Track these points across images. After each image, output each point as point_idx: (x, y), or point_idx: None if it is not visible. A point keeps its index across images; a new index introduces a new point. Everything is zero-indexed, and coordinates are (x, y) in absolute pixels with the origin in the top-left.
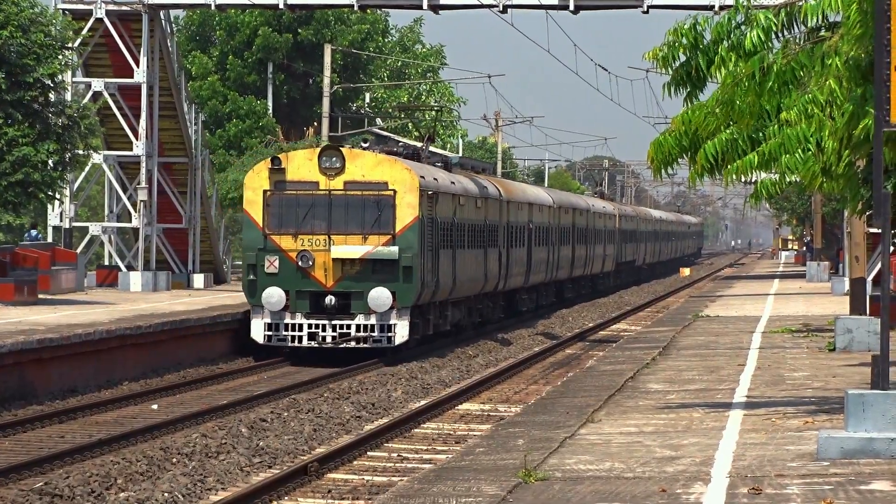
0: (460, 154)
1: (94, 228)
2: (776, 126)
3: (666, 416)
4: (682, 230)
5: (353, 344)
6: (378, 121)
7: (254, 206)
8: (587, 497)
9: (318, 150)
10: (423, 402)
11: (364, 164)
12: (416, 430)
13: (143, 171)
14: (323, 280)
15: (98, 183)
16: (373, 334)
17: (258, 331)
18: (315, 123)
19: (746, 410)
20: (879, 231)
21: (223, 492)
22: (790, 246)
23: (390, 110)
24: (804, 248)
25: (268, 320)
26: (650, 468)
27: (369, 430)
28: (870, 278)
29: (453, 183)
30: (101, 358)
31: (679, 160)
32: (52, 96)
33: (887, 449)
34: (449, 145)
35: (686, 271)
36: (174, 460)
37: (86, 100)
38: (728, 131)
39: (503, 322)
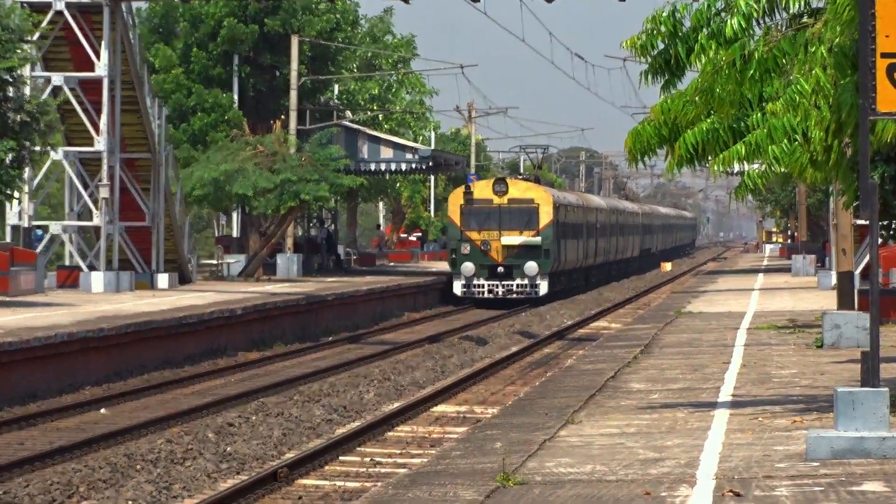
0: (433, 147)
1: (55, 227)
2: (759, 115)
3: (649, 416)
4: (681, 223)
5: (514, 296)
6: (348, 113)
7: (454, 214)
8: (568, 501)
9: (493, 180)
10: (396, 405)
11: (520, 188)
12: (389, 434)
13: (104, 167)
14: (496, 257)
15: (58, 180)
16: (526, 290)
17: (458, 288)
18: (282, 117)
19: (732, 410)
20: (867, 223)
21: (189, 499)
22: (774, 239)
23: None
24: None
25: (463, 282)
26: (633, 470)
27: (341, 433)
28: (857, 272)
29: (564, 198)
30: (62, 362)
31: (657, 150)
32: (10, 91)
33: (879, 448)
34: (421, 138)
35: (668, 266)
36: (138, 467)
37: (45, 94)
38: (709, 120)
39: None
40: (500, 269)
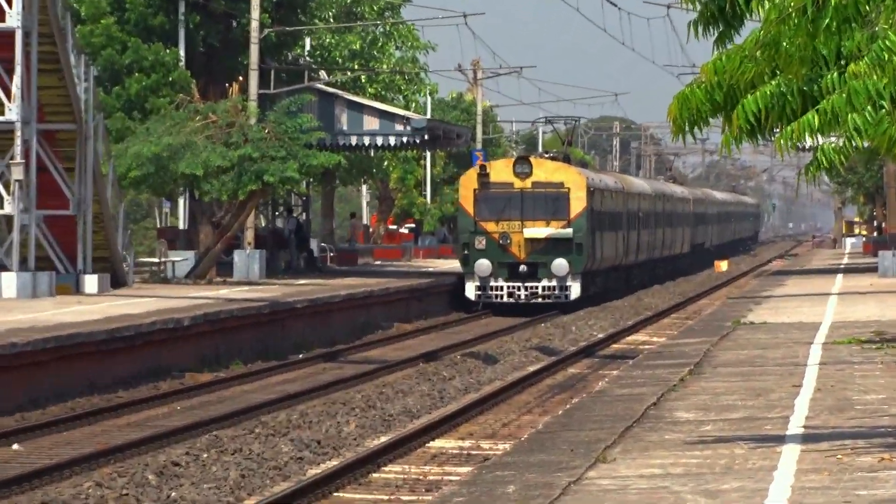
0: (429, 116)
1: None
2: (836, 75)
3: (700, 453)
4: (741, 211)
5: (539, 300)
6: (323, 74)
7: (466, 200)
8: None
9: (514, 160)
10: (383, 439)
11: (546, 169)
12: (374, 475)
13: (17, 141)
14: (518, 254)
15: None
16: (554, 293)
17: (471, 291)
18: (240, 78)
19: (804, 445)
20: None
21: None
22: (857, 231)
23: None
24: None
25: (478, 283)
26: None
27: (314, 475)
28: None
29: (601, 181)
30: None
31: (710, 120)
32: None
33: None
34: (414, 104)
35: (723, 265)
36: None
37: None
38: (774, 82)
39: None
40: (523, 267)
